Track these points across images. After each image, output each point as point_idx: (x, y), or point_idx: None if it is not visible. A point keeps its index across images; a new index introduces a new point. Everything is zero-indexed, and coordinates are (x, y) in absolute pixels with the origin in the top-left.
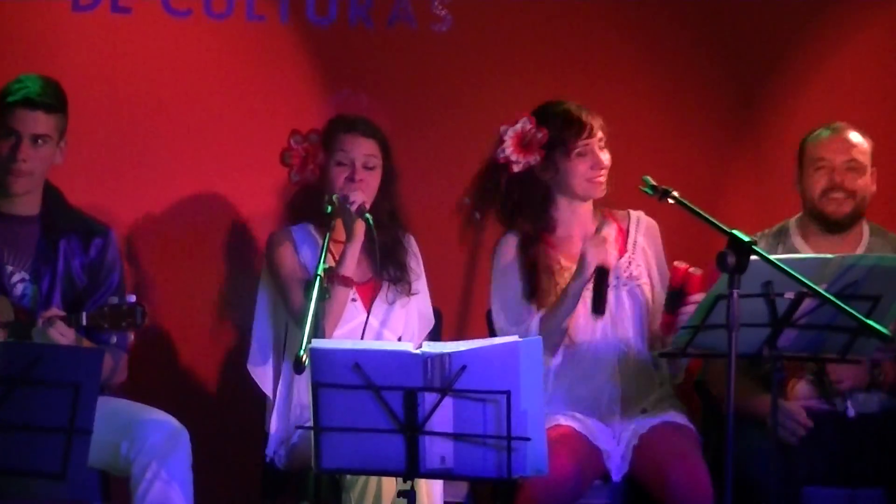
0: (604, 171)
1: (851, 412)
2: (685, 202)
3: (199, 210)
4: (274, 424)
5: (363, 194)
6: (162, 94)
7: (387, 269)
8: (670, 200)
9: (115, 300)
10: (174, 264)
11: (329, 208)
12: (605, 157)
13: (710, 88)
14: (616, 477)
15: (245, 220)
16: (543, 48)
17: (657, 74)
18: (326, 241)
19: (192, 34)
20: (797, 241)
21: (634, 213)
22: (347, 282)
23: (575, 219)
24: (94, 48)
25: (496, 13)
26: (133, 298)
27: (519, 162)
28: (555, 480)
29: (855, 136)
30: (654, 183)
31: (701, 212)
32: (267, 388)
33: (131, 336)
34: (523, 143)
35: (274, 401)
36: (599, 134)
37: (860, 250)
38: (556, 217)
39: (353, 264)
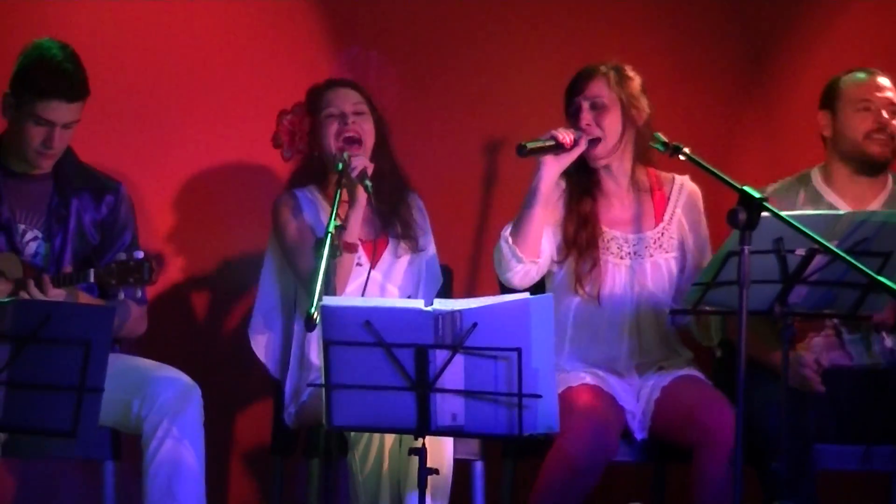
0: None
1: (889, 343)
2: (696, 158)
3: (209, 170)
4: (287, 382)
5: (364, 160)
6: (172, 54)
7: (393, 225)
8: (681, 157)
9: (122, 256)
10: (186, 223)
11: (339, 165)
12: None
13: (721, 44)
14: (640, 435)
15: (255, 178)
16: (551, 4)
17: (667, 30)
18: (338, 197)
19: (197, 9)
20: (820, 186)
21: (679, 179)
22: (351, 247)
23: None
24: (105, 12)
25: None
26: (140, 254)
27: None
28: (583, 443)
29: (888, 81)
30: (664, 139)
31: (712, 168)
32: (263, 356)
33: (143, 291)
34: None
35: (271, 369)
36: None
37: (884, 196)
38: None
39: (356, 230)
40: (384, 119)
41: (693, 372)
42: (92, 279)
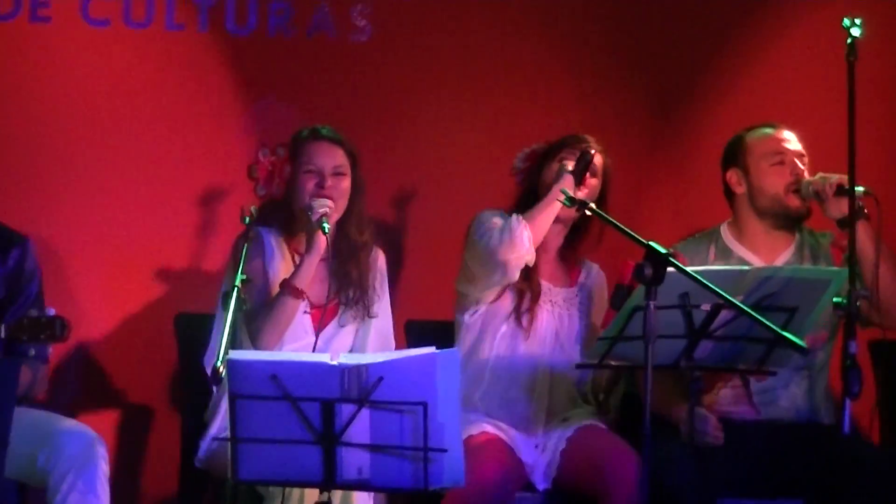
0: None
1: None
2: (602, 214)
3: (118, 219)
4: (216, 423)
5: (331, 206)
6: (81, 103)
7: (346, 291)
8: (587, 212)
9: (34, 312)
10: (96, 275)
11: (311, 209)
12: None
13: (629, 100)
14: (542, 485)
15: (164, 228)
16: (460, 58)
17: (574, 84)
18: (244, 252)
19: (111, 43)
20: (730, 241)
21: (588, 264)
22: (298, 293)
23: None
24: (12, 57)
25: (415, 23)
26: (52, 311)
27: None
28: (479, 488)
29: (791, 134)
30: (571, 195)
31: (617, 223)
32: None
33: (50, 348)
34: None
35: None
36: None
37: (793, 247)
38: None
39: (307, 276)
40: (361, 177)
41: (597, 423)
42: (3, 334)
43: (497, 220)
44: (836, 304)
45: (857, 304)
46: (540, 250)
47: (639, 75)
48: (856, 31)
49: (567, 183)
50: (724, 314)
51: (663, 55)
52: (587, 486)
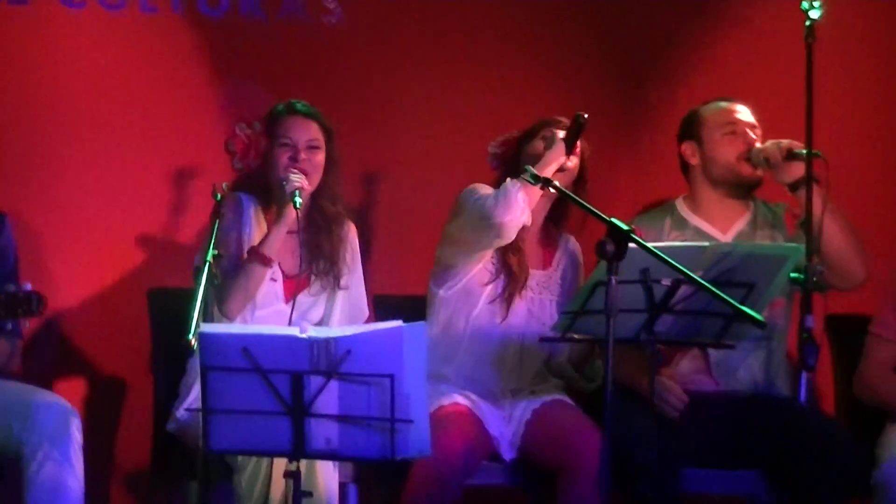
0: None
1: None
2: (565, 191)
3: (94, 195)
4: (192, 391)
5: (304, 181)
6: (57, 85)
7: (316, 262)
8: (552, 190)
9: (11, 288)
10: (71, 250)
11: (285, 182)
12: None
13: (594, 83)
14: (508, 455)
15: (139, 203)
16: (429, 40)
17: (542, 68)
18: (215, 227)
19: (86, 26)
20: (685, 213)
21: (566, 236)
22: (266, 261)
23: None
24: None
25: (384, 6)
26: (28, 286)
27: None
28: (444, 459)
29: (745, 107)
30: (535, 173)
31: (581, 200)
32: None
33: (26, 323)
34: None
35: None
36: None
37: (748, 216)
38: None
39: (275, 245)
40: (337, 150)
41: (563, 397)
42: None
43: (489, 189)
44: (794, 280)
45: (814, 279)
46: (525, 231)
47: (604, 63)
48: (814, 14)
49: (558, 151)
50: (683, 289)
51: (627, 47)
52: (550, 458)
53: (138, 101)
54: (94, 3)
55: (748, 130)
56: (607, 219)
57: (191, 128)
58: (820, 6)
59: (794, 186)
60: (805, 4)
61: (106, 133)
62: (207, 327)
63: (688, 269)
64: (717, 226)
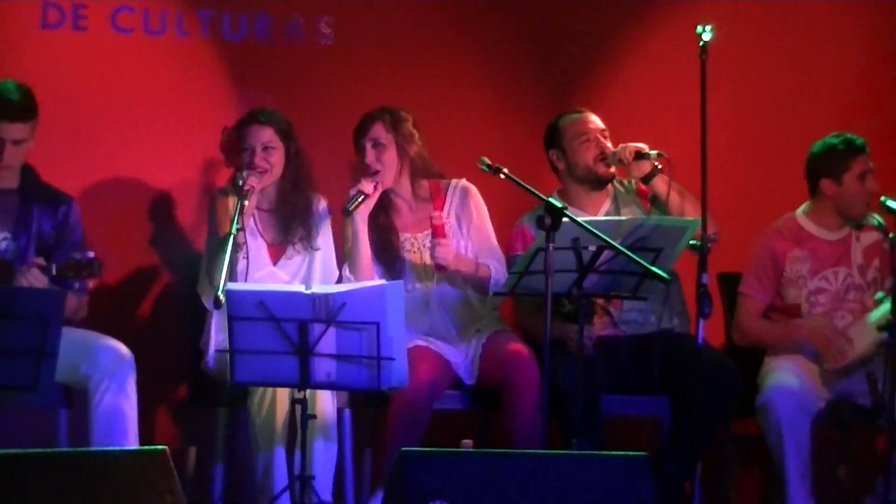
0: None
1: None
2: (512, 177)
3: (138, 185)
4: (214, 337)
5: (254, 180)
6: (110, 94)
7: (293, 230)
8: (502, 175)
9: (77, 255)
10: (122, 225)
11: (240, 182)
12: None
13: (531, 83)
14: (468, 381)
15: (170, 194)
16: (414, 59)
17: (488, 73)
18: (238, 205)
19: (134, 48)
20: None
21: (455, 181)
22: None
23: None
24: (57, 58)
25: (370, 31)
26: (91, 254)
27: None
28: (416, 388)
29: (594, 116)
30: (489, 162)
31: (525, 184)
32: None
33: (90, 283)
34: None
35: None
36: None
37: (609, 199)
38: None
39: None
40: (297, 145)
41: (505, 328)
42: (55, 272)
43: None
44: (692, 246)
45: (708, 246)
46: (392, 211)
47: (539, 65)
48: (706, 36)
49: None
50: (606, 254)
51: (558, 50)
52: (497, 377)
53: (175, 107)
54: (139, 30)
55: (599, 136)
56: (545, 198)
57: (215, 128)
58: (712, 29)
59: (645, 179)
60: (699, 28)
61: (149, 133)
62: (232, 286)
63: (609, 238)
64: (588, 212)
